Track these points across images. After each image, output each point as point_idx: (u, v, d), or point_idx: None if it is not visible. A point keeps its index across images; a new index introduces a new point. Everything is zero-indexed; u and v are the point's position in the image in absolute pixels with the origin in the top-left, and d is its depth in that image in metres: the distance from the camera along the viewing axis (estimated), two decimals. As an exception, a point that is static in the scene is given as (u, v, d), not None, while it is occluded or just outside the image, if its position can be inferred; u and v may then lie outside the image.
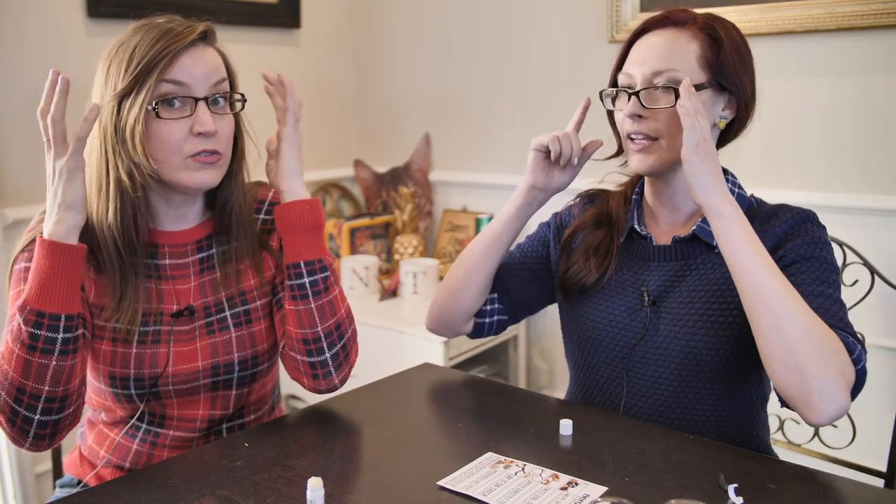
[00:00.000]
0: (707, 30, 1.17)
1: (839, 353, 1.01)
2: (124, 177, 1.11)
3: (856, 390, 1.03)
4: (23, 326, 1.03)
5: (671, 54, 1.15)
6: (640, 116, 1.16)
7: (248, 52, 2.62)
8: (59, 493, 1.30)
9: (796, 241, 1.15)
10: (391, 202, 2.86)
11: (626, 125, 1.19)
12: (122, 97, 1.09)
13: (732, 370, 1.17)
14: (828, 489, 0.99)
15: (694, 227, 1.21)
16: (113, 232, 1.13)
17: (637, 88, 1.17)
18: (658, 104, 1.15)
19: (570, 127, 1.29)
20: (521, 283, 1.38)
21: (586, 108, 1.29)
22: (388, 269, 2.73)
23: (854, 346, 1.04)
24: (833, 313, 1.08)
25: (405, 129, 2.89)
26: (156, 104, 1.09)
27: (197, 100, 1.11)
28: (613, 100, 1.23)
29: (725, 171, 1.26)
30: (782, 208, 1.21)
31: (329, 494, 0.95)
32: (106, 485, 1.03)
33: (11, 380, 1.04)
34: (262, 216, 1.31)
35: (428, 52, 2.79)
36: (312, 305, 1.19)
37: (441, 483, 0.98)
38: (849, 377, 1.01)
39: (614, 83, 1.24)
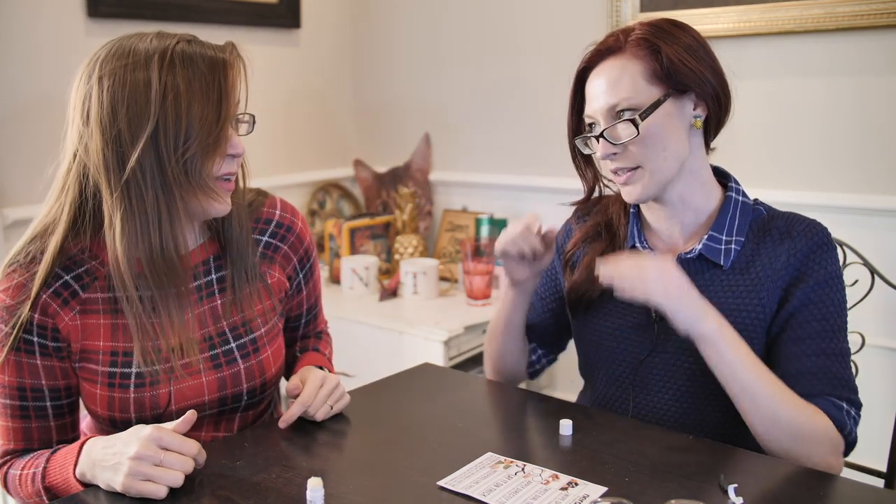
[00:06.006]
0: (644, 45, 1.14)
1: (831, 439, 1.08)
2: (190, 204, 1.08)
3: (848, 450, 1.11)
4: (44, 496, 1.09)
5: (617, 83, 1.14)
6: (614, 154, 1.16)
7: (248, 52, 2.61)
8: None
9: (808, 280, 1.14)
10: (391, 202, 2.86)
11: (607, 164, 1.19)
12: (187, 140, 1.04)
13: None
14: (828, 489, 0.99)
15: (700, 247, 1.19)
16: (161, 263, 1.07)
17: (600, 129, 1.16)
18: (622, 138, 1.14)
19: (522, 224, 1.25)
20: (550, 326, 1.40)
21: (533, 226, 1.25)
22: (388, 269, 2.72)
23: (845, 422, 1.11)
24: (832, 376, 1.13)
25: (405, 129, 2.88)
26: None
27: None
28: (587, 142, 1.22)
29: (728, 177, 1.25)
30: (794, 225, 1.18)
31: (329, 494, 0.95)
32: (106, 485, 1.03)
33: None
34: (265, 238, 1.26)
35: (428, 52, 2.79)
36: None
37: (441, 483, 0.98)
38: (839, 450, 1.10)
39: (576, 127, 1.24)
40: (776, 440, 1.07)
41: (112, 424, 1.15)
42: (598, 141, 1.17)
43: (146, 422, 1.13)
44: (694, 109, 1.17)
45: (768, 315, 1.16)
